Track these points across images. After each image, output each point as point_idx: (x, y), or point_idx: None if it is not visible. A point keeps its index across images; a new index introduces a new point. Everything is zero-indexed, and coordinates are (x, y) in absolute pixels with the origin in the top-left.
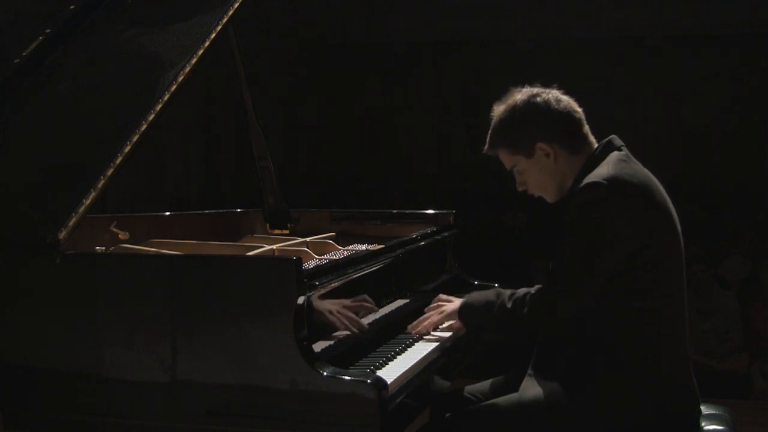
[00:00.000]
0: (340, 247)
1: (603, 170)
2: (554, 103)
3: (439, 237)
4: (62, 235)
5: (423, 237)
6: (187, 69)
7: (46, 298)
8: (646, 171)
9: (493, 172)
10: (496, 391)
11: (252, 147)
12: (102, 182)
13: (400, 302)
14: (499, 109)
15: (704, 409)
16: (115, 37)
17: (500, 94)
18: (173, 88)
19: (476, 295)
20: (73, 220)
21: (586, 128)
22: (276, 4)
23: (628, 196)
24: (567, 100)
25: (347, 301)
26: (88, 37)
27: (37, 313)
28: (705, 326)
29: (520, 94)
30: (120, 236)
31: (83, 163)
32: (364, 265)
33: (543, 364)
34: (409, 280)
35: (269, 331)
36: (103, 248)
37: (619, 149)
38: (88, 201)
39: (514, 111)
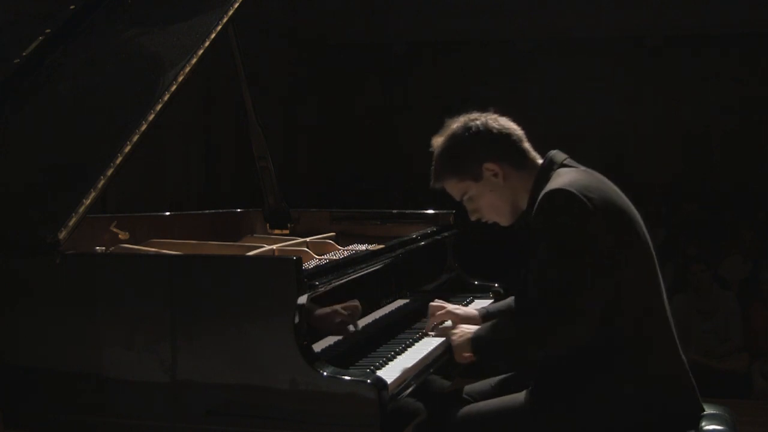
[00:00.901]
0: (340, 247)
1: (560, 180)
2: (492, 124)
3: (439, 237)
4: (62, 235)
5: (423, 237)
6: (187, 69)
7: (46, 298)
8: (600, 176)
9: None
10: (496, 391)
11: (252, 147)
12: (102, 182)
13: (400, 302)
14: (438, 141)
15: (704, 409)
16: (115, 37)
17: (500, 94)
18: (173, 88)
19: (482, 328)
20: (73, 220)
21: (528, 144)
22: (276, 4)
23: (592, 199)
24: (504, 120)
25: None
26: (88, 37)
27: (37, 313)
28: (705, 326)
29: (457, 123)
30: (120, 236)
31: (83, 163)
32: (364, 265)
33: (540, 366)
34: (409, 280)
35: (269, 331)
36: (103, 248)
37: (563, 164)
38: (88, 201)
39: (454, 138)
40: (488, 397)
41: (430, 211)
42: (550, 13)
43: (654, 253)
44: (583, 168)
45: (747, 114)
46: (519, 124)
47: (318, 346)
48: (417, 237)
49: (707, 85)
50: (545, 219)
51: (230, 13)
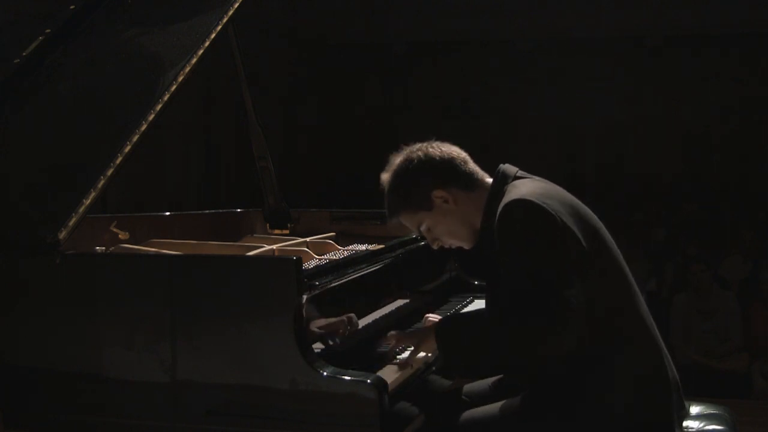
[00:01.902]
0: (340, 247)
1: (516, 191)
2: (433, 151)
3: None
4: (62, 235)
5: (423, 237)
6: (187, 69)
7: (46, 298)
8: (556, 186)
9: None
10: (496, 390)
11: (252, 147)
12: (102, 182)
13: (400, 302)
14: (385, 177)
15: (704, 409)
16: (115, 37)
17: (500, 94)
18: (173, 88)
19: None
20: (73, 220)
21: (473, 165)
22: (276, 4)
23: (552, 206)
24: (446, 146)
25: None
26: (88, 37)
27: (37, 313)
28: (705, 326)
29: (399, 156)
30: (120, 236)
31: (83, 163)
32: (364, 265)
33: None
34: (409, 280)
35: (269, 331)
36: (103, 248)
37: (516, 176)
38: (88, 201)
39: (399, 173)
40: (486, 396)
41: None
42: (550, 13)
43: (621, 256)
44: (538, 178)
45: (747, 114)
46: (519, 124)
47: (318, 346)
48: (417, 237)
49: (707, 85)
50: (509, 229)
51: (230, 13)
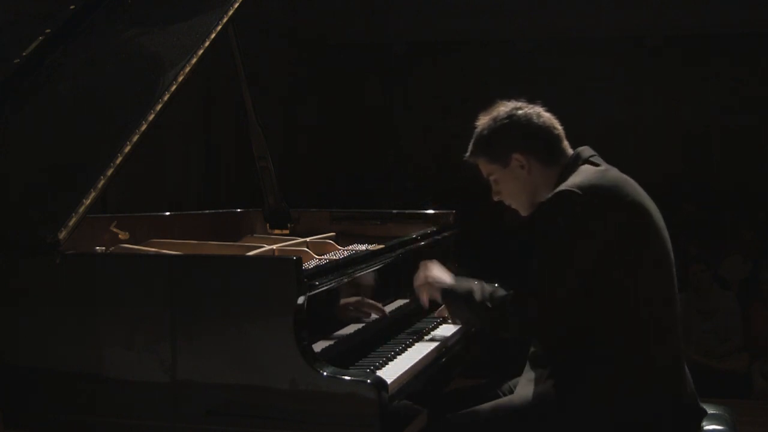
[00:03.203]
0: (340, 247)
1: (571, 180)
2: (534, 118)
3: (439, 237)
4: (62, 235)
5: (423, 237)
6: (187, 69)
7: (46, 298)
8: (619, 175)
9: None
10: (496, 391)
11: (252, 147)
12: (102, 182)
13: (400, 302)
14: (482, 120)
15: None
16: (115, 37)
17: (500, 94)
18: (173, 88)
19: (461, 283)
20: (73, 220)
21: (565, 144)
22: (276, 4)
23: (594, 199)
24: (548, 117)
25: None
26: (88, 37)
27: (36, 313)
28: (705, 326)
29: (504, 107)
30: (120, 236)
31: (83, 163)
32: (364, 265)
33: (537, 366)
34: (410, 280)
35: (269, 331)
36: (103, 248)
37: (588, 160)
38: (88, 201)
39: (495, 122)
40: (488, 397)
41: (430, 211)
42: (550, 13)
43: (672, 255)
44: (604, 166)
45: (747, 114)
46: None
47: (318, 346)
48: (417, 237)
49: (707, 85)
50: (541, 217)
51: (230, 13)
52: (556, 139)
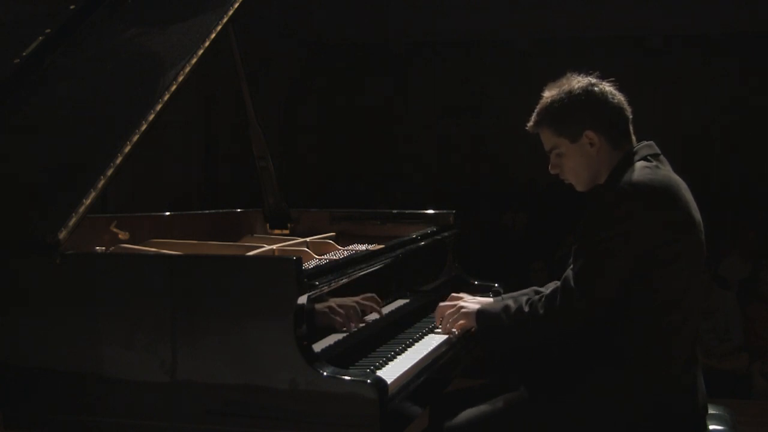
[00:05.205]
0: (340, 247)
1: (629, 176)
2: (610, 96)
3: (439, 237)
4: (62, 235)
5: (423, 237)
6: (187, 69)
7: (46, 298)
8: (672, 176)
9: (491, 170)
10: (496, 391)
11: (252, 147)
12: (102, 182)
13: (400, 302)
14: (552, 91)
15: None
16: (115, 37)
17: (500, 93)
18: (173, 88)
19: (492, 302)
20: (73, 220)
21: (631, 128)
22: (276, 4)
23: (645, 201)
24: (621, 97)
25: (355, 298)
26: (88, 37)
27: (36, 313)
28: (705, 326)
29: (578, 80)
30: (120, 236)
31: (83, 163)
32: (364, 265)
33: (541, 363)
34: (409, 280)
35: (269, 331)
36: (103, 248)
37: (649, 156)
38: (88, 201)
39: (570, 94)
40: (488, 397)
41: (430, 211)
42: (550, 12)
43: (704, 261)
44: (663, 170)
45: (747, 114)
46: (519, 124)
47: (318, 346)
48: (417, 237)
49: (707, 85)
50: (594, 212)
51: (230, 13)
52: (626, 121)
